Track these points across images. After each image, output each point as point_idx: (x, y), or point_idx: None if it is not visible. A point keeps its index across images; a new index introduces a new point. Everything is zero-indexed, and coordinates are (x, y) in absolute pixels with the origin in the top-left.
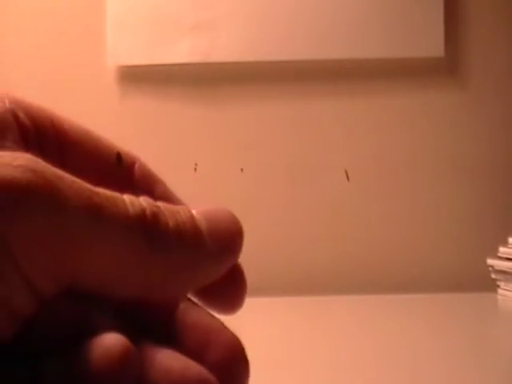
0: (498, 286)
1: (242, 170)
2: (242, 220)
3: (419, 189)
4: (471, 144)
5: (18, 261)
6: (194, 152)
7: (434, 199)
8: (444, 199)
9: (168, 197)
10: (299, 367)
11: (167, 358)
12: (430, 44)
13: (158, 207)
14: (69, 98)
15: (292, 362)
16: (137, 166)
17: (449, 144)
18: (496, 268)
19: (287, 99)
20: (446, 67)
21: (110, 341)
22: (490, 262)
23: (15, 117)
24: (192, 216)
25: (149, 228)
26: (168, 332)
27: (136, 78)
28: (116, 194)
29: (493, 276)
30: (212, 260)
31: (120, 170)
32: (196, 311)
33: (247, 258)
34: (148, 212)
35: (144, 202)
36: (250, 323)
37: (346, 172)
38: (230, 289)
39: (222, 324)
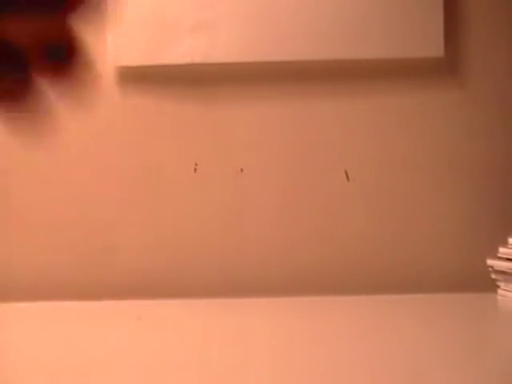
0: (498, 287)
1: (241, 170)
2: (241, 220)
3: (418, 189)
4: (471, 144)
5: None
6: (193, 152)
7: (433, 199)
8: (444, 199)
9: None
10: (299, 367)
11: None
12: (430, 44)
13: None
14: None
15: (292, 362)
16: None
17: (449, 144)
18: (496, 268)
19: (287, 99)
20: (446, 67)
21: None
22: (489, 262)
23: None
24: None
25: None
26: None
27: (136, 78)
28: None
29: (493, 276)
30: None
31: None
32: None
33: (248, 259)
34: None
35: None
36: (252, 323)
37: (346, 172)
38: None
39: None
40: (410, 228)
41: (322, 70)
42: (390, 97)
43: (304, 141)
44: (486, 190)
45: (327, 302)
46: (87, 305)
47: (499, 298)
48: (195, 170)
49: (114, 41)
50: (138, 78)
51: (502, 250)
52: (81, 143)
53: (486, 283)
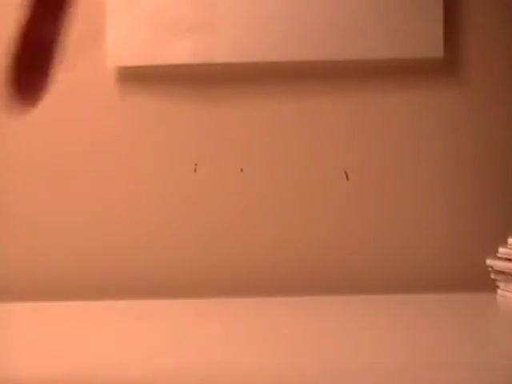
0: (498, 287)
1: (241, 170)
2: (242, 220)
3: (418, 189)
4: (471, 144)
5: None
6: (193, 152)
7: (432, 199)
8: (443, 199)
9: None
10: (299, 367)
11: None
12: (430, 44)
13: None
14: (69, 98)
15: (292, 362)
16: None
17: (448, 144)
18: (495, 268)
19: (287, 99)
20: (446, 68)
21: None
22: (489, 262)
23: None
24: None
25: None
26: None
27: (136, 78)
28: None
29: (492, 276)
30: None
31: None
32: None
33: (249, 259)
34: None
35: None
36: (253, 324)
37: (346, 172)
38: None
39: None
40: (409, 228)
41: (322, 70)
42: (390, 97)
43: (304, 141)
44: (486, 190)
45: (327, 302)
46: (87, 305)
47: (499, 298)
48: (195, 169)
49: (113, 41)
50: (138, 78)
51: (501, 250)
52: (80, 143)
53: (485, 283)
